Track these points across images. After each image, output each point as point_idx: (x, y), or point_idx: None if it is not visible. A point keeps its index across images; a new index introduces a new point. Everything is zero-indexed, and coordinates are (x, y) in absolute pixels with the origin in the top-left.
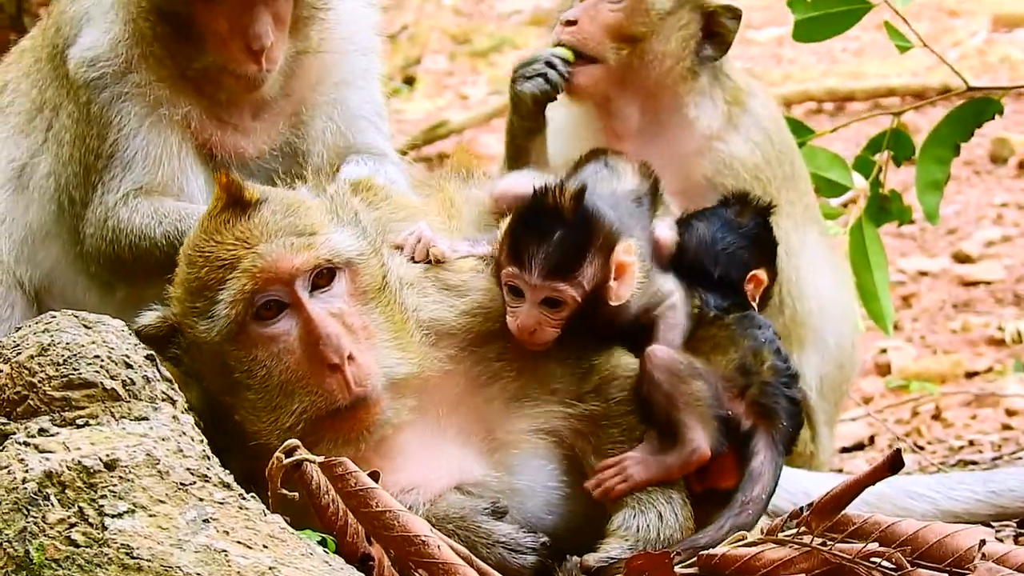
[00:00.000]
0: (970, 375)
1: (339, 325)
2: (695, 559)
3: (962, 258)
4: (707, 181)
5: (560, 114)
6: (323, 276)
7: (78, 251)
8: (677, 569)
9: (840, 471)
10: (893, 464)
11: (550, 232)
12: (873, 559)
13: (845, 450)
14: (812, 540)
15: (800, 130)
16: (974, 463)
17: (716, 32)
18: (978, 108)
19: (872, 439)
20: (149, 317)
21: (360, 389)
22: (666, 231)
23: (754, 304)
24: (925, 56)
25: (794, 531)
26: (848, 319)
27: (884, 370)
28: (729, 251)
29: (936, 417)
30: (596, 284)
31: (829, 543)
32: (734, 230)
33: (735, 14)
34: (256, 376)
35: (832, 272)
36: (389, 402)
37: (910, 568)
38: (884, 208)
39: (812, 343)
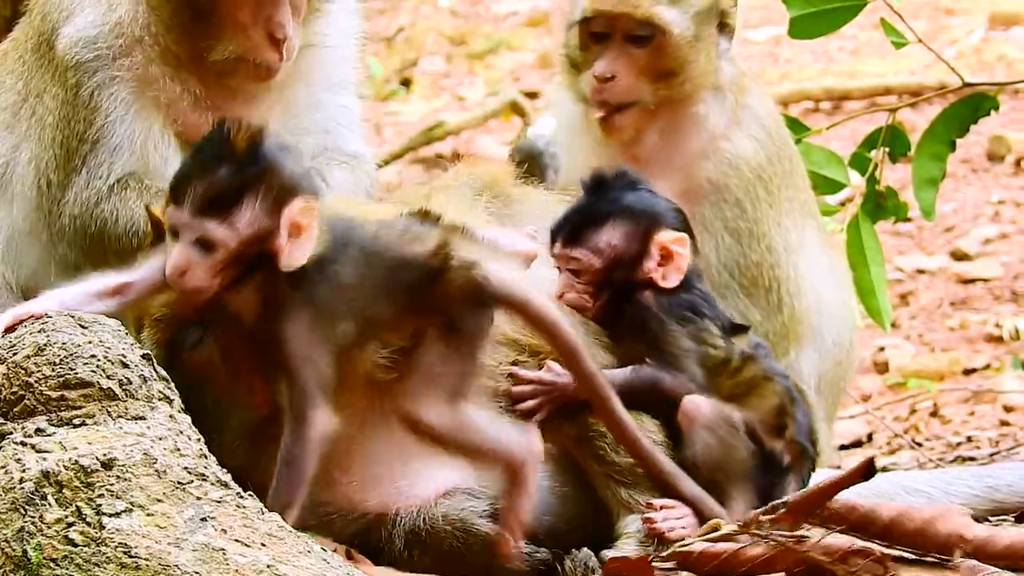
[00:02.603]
0: (968, 372)
1: None
2: (671, 554)
3: (960, 256)
4: (710, 183)
5: (573, 131)
6: None
7: (50, 232)
8: (654, 564)
9: (838, 468)
10: (866, 472)
11: (213, 167)
12: (854, 559)
13: (843, 447)
14: (788, 537)
15: (796, 127)
16: (972, 459)
17: (725, 24)
18: (974, 104)
19: (870, 436)
20: None
21: None
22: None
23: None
24: (922, 55)
25: (767, 527)
26: (846, 316)
27: (882, 368)
28: None
29: (934, 414)
30: (258, 235)
31: (807, 538)
32: None
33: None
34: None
35: (830, 269)
36: None
37: (891, 572)
38: (880, 205)
39: (810, 340)
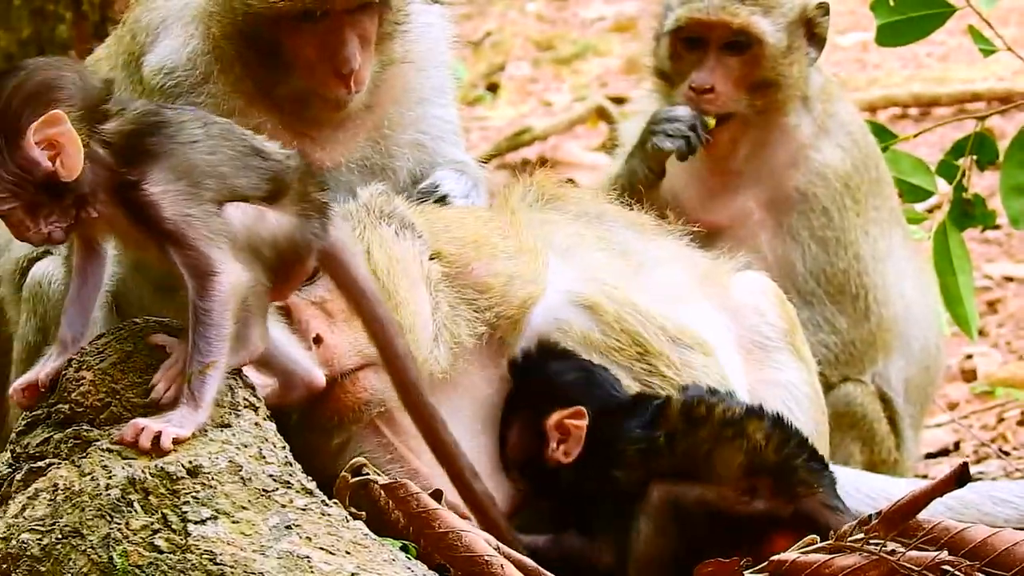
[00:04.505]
0: None
1: (317, 310)
2: (766, 564)
3: None
4: (798, 192)
5: None
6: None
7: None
8: (747, 574)
9: (925, 477)
10: (960, 478)
11: None
12: (944, 567)
13: (930, 456)
14: (881, 547)
15: (883, 135)
16: None
17: (814, 33)
18: None
19: (957, 445)
20: None
21: (326, 369)
22: None
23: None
24: (1011, 61)
25: (862, 537)
26: (933, 322)
27: (970, 376)
28: None
29: (1022, 423)
30: (22, 173)
31: (899, 551)
32: None
33: (825, 9)
34: None
35: (916, 276)
36: (374, 382)
37: None
38: (968, 213)
39: (897, 348)
